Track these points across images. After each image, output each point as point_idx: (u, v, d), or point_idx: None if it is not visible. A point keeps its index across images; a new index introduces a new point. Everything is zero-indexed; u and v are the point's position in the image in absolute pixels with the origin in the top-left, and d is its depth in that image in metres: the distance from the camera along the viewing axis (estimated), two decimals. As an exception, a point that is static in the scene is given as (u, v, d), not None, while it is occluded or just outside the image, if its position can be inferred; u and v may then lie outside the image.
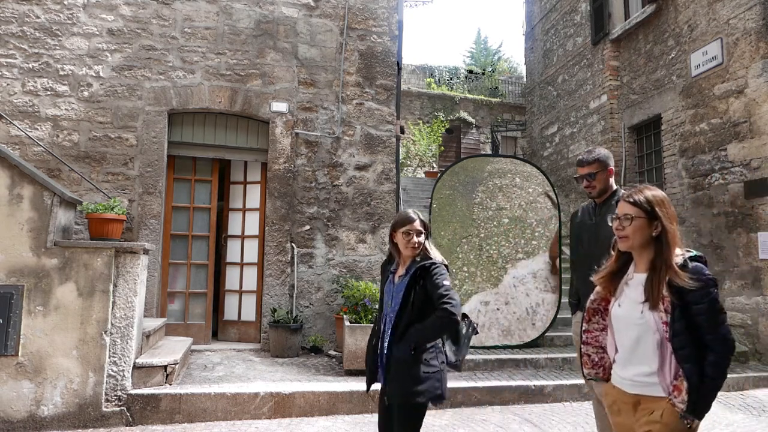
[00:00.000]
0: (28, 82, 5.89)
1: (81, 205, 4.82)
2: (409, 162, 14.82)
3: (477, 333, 2.75)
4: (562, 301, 6.28)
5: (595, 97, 9.62)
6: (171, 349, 4.98)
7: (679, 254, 1.84)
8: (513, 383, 5.06)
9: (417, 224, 2.57)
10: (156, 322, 5.40)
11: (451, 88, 21.39)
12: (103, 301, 4.18)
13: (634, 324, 1.87)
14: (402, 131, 7.32)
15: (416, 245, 2.56)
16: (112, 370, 4.19)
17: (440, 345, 2.55)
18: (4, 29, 5.86)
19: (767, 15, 6.20)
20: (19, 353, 4.01)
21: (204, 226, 6.54)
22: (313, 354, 6.14)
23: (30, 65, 5.91)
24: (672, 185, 7.65)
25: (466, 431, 4.17)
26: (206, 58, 6.40)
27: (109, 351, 4.19)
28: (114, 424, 4.12)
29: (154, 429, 4.11)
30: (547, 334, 6.36)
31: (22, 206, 4.14)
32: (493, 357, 5.73)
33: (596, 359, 2.07)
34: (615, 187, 3.21)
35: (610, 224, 1.98)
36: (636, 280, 1.92)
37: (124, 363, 4.23)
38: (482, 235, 6.48)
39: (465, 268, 6.37)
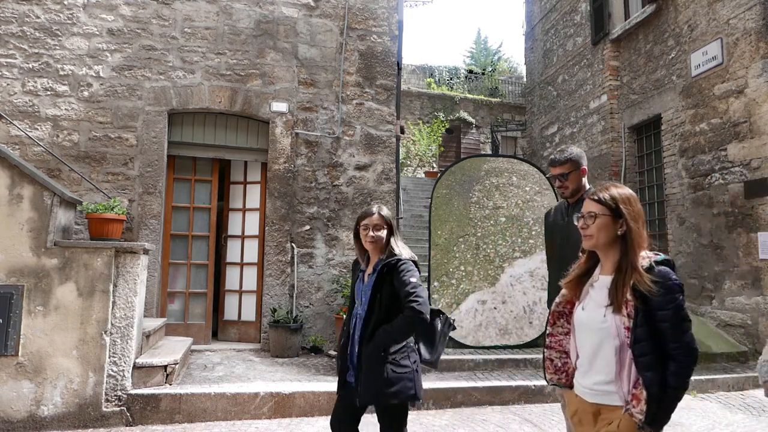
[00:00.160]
0: (28, 82, 5.89)
1: (81, 205, 4.82)
2: (409, 162, 14.82)
3: (455, 329, 2.69)
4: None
5: (595, 97, 9.62)
6: (171, 349, 4.98)
7: (645, 257, 1.77)
8: (513, 383, 5.07)
9: (375, 218, 2.52)
10: (156, 322, 5.40)
11: (451, 88, 21.40)
12: (103, 301, 4.18)
13: (597, 329, 1.79)
14: (402, 131, 7.33)
15: (373, 239, 2.50)
16: (112, 370, 4.19)
17: (412, 344, 2.50)
18: (4, 29, 5.86)
19: (767, 15, 6.21)
20: (19, 353, 4.01)
21: (204, 226, 6.54)
22: (313, 354, 6.14)
23: (30, 65, 5.91)
24: (672, 185, 7.66)
25: (466, 431, 4.17)
26: (206, 58, 6.40)
27: (109, 351, 4.19)
28: (114, 424, 4.12)
29: (154, 429, 4.11)
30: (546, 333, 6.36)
31: (22, 206, 4.14)
32: (493, 357, 5.74)
33: (559, 364, 1.99)
34: (588, 186, 3.14)
35: (576, 224, 1.93)
36: (601, 282, 1.85)
37: (124, 363, 4.23)
38: (479, 234, 6.48)
39: (462, 267, 6.37)
